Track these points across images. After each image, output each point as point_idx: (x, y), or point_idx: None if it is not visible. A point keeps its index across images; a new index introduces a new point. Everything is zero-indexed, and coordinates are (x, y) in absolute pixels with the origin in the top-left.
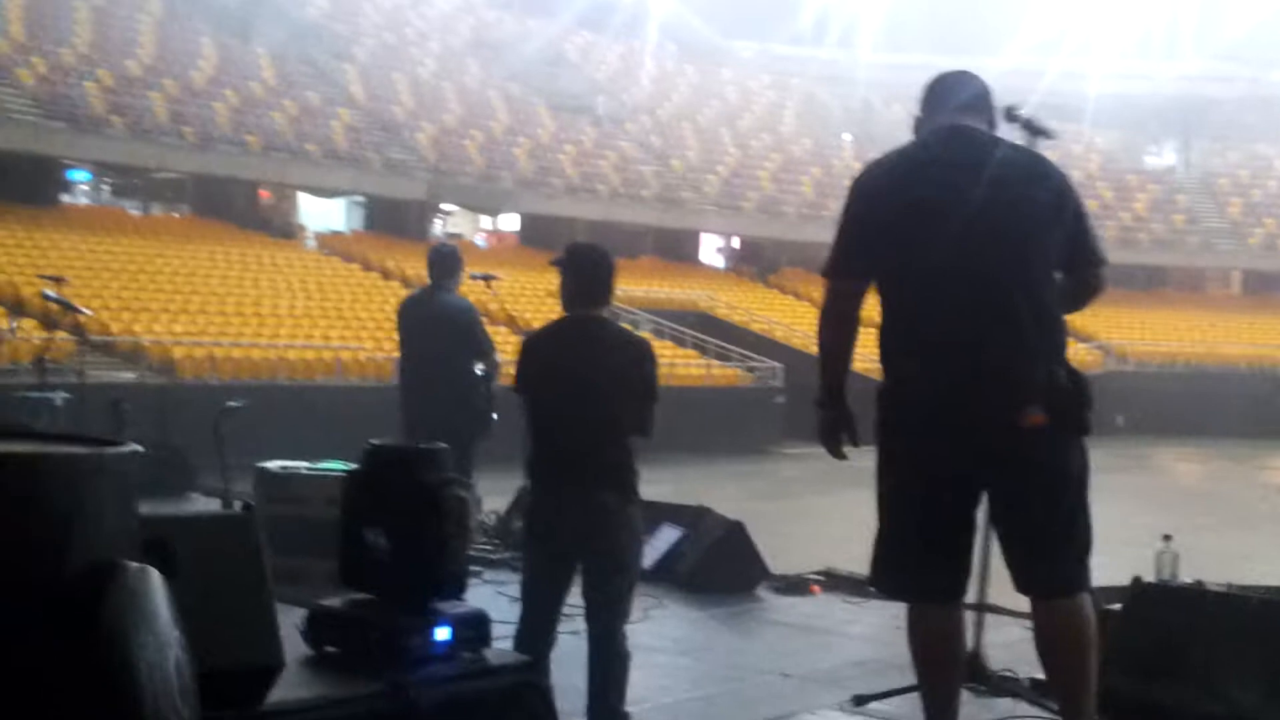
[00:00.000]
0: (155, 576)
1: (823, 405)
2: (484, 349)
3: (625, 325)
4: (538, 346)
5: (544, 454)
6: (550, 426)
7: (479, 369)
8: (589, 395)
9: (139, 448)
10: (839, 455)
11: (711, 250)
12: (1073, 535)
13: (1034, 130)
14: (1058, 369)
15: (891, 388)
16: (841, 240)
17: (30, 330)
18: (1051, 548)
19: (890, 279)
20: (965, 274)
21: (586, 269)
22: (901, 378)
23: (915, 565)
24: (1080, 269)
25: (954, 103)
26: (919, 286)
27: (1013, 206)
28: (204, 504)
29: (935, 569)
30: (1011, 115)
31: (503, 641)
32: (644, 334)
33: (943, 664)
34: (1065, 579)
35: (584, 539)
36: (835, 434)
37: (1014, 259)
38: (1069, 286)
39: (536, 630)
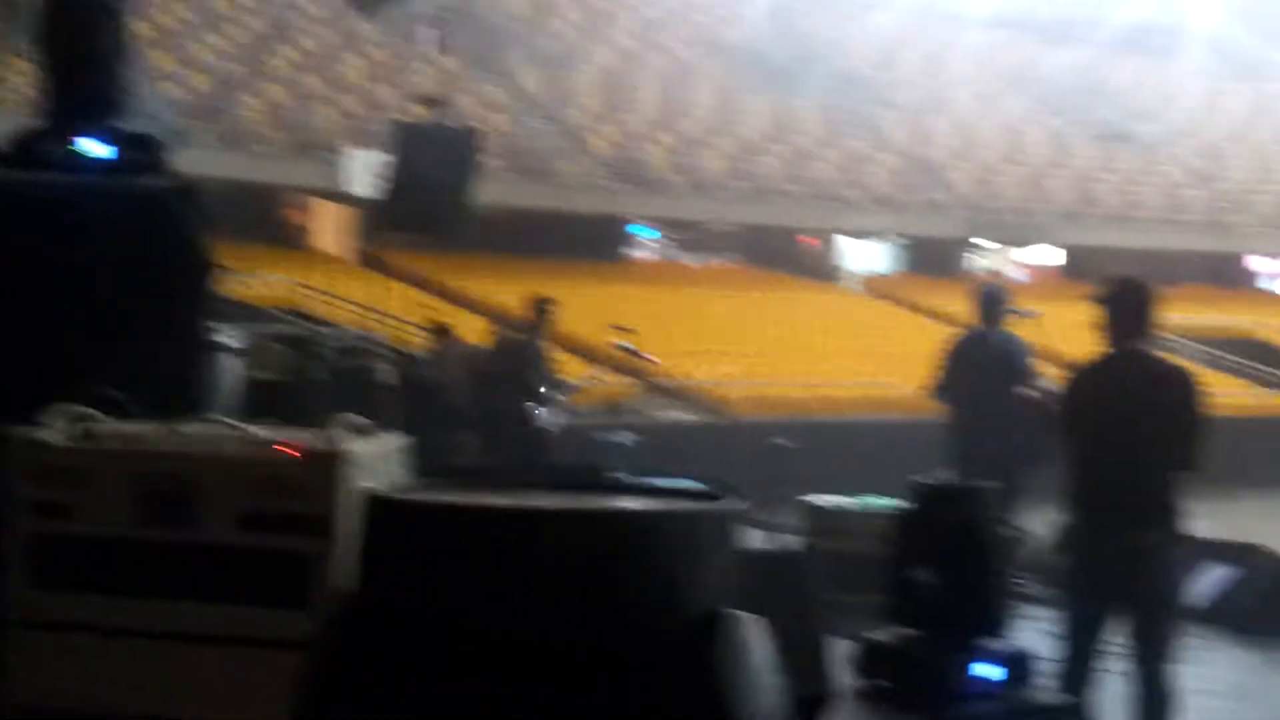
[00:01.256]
0: (757, 624)
1: None
2: (1031, 380)
3: (1167, 356)
4: (1083, 382)
5: (1086, 490)
6: (1094, 462)
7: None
8: (1134, 432)
9: (739, 502)
10: None
11: (1266, 275)
12: None
13: None
14: None
15: None
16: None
17: (601, 376)
18: None
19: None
20: None
21: (1129, 303)
22: None
23: None
24: None
25: None
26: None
27: None
28: (754, 537)
29: None
30: None
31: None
32: (1191, 362)
33: None
34: None
35: (1125, 578)
36: None
37: None
38: None
39: (1077, 667)
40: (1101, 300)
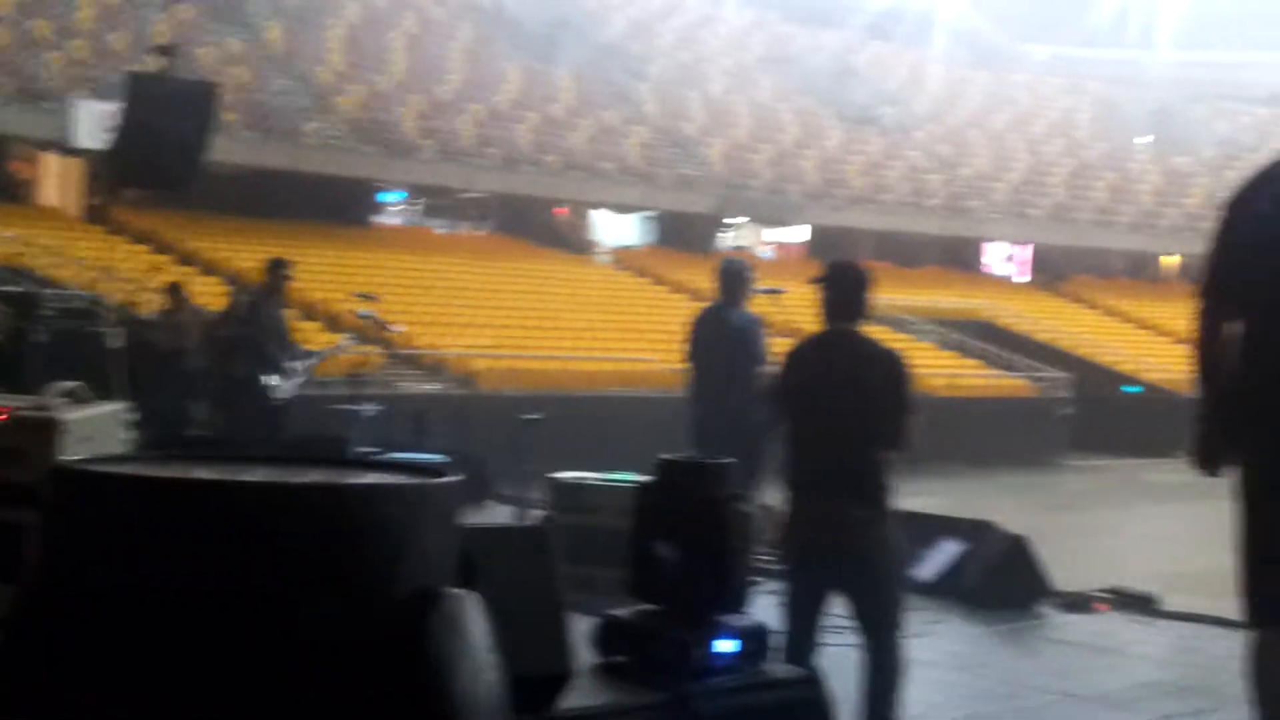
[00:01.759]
0: (475, 602)
1: (1200, 422)
2: (763, 361)
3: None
4: (795, 361)
5: (799, 466)
6: (805, 439)
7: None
8: (842, 410)
9: (459, 477)
10: (1213, 473)
11: (999, 259)
12: None
13: None
14: None
15: (1243, 399)
16: (1211, 260)
17: (346, 348)
18: None
19: (1247, 299)
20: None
21: (842, 283)
22: (1251, 389)
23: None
24: None
25: None
26: (1263, 301)
27: None
28: (499, 513)
29: None
30: None
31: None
32: (927, 344)
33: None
34: None
35: (838, 552)
36: (1210, 453)
37: None
38: None
39: (800, 640)
40: (818, 282)
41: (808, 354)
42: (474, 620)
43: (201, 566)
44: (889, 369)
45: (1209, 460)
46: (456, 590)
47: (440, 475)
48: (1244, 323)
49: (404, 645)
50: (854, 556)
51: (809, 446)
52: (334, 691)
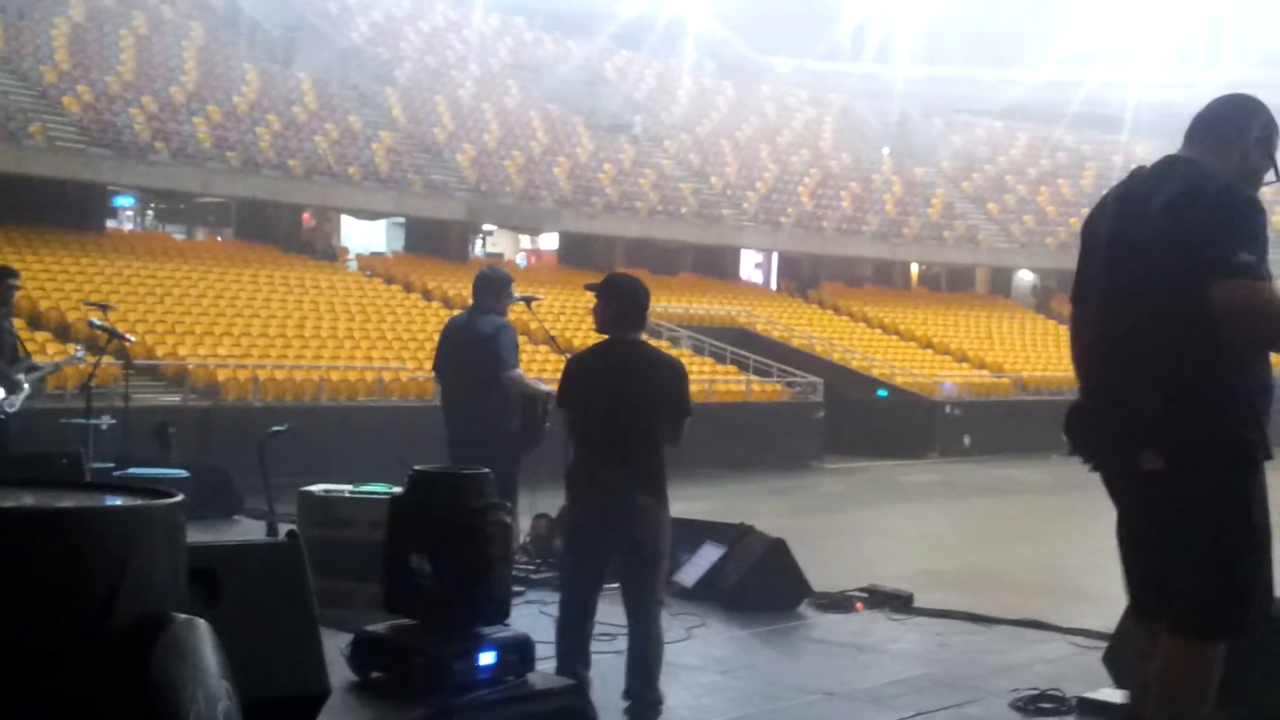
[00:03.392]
0: (203, 627)
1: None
2: (506, 366)
3: (660, 345)
4: (582, 367)
5: (586, 464)
6: (593, 440)
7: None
8: (630, 412)
9: (183, 497)
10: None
11: (750, 266)
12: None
13: None
14: (1174, 406)
15: (1075, 406)
16: (1077, 272)
17: (82, 358)
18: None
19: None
20: (1104, 306)
21: (627, 296)
22: (1076, 404)
23: None
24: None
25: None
26: (1089, 314)
27: (1136, 227)
28: (249, 527)
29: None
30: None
31: (546, 663)
32: (683, 350)
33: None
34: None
35: (622, 535)
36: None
37: (1129, 289)
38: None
39: (573, 646)
40: (600, 292)
41: (593, 362)
42: (204, 645)
43: None
44: (674, 375)
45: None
46: (184, 615)
47: (165, 494)
48: (1095, 325)
49: (127, 676)
50: (636, 539)
51: (597, 446)
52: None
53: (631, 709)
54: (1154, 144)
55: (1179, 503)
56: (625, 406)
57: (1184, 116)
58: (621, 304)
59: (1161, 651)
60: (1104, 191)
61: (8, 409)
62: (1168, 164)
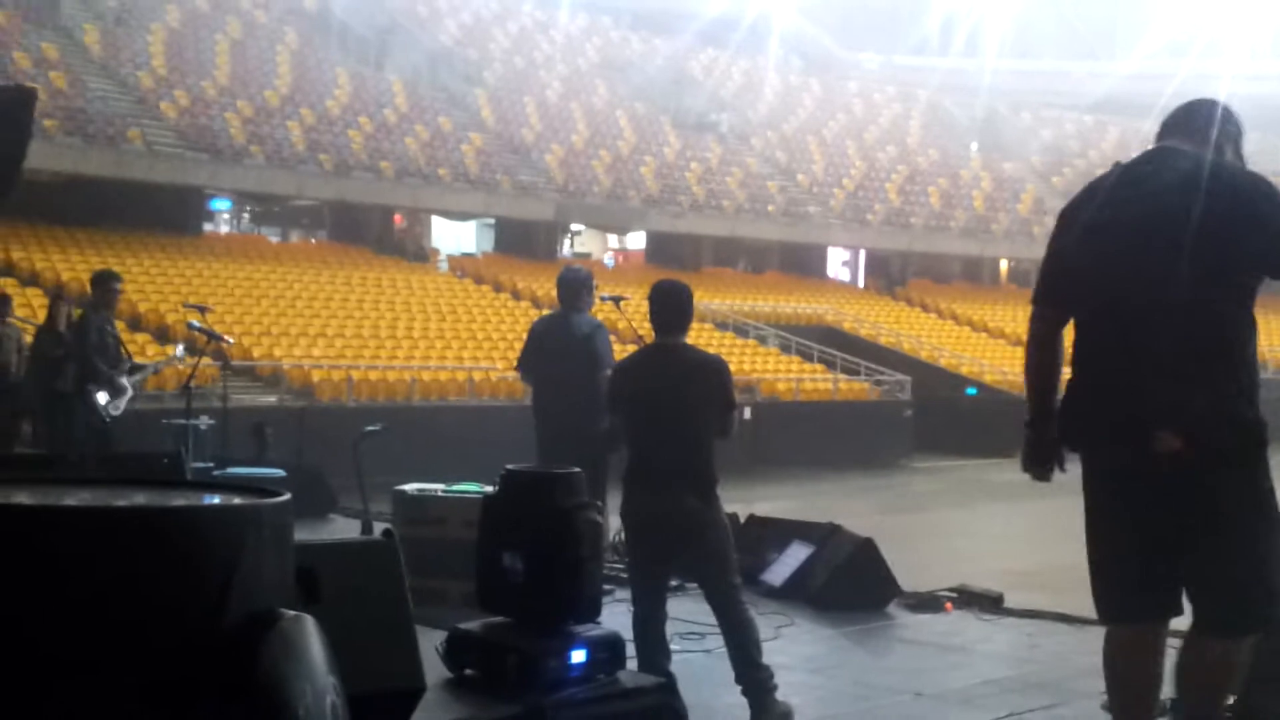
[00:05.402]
0: (310, 624)
1: (1030, 426)
2: (603, 366)
3: (747, 344)
4: (628, 372)
5: (638, 467)
6: (640, 444)
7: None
8: (673, 415)
9: (290, 496)
10: (1043, 478)
11: (838, 264)
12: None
13: None
14: (1200, 391)
15: (1072, 406)
16: (1043, 266)
17: (182, 358)
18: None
19: (1076, 298)
20: (1115, 294)
21: (668, 302)
22: (1078, 395)
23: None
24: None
25: (1173, 126)
26: (1092, 305)
27: (1167, 220)
28: (343, 526)
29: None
30: None
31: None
32: (770, 349)
33: (1130, 691)
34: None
35: (677, 538)
36: (1040, 456)
37: (1154, 279)
38: None
39: (652, 644)
40: (649, 298)
41: (638, 366)
42: (312, 642)
43: (17, 599)
44: (714, 373)
45: (1037, 465)
46: (292, 612)
47: (272, 494)
48: (1075, 328)
49: (237, 673)
50: (694, 541)
51: (644, 448)
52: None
53: (745, 689)
54: (1247, 136)
55: (1219, 496)
56: (668, 409)
57: (1276, 108)
58: (661, 308)
59: (1198, 653)
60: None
61: (113, 412)
62: (1185, 157)
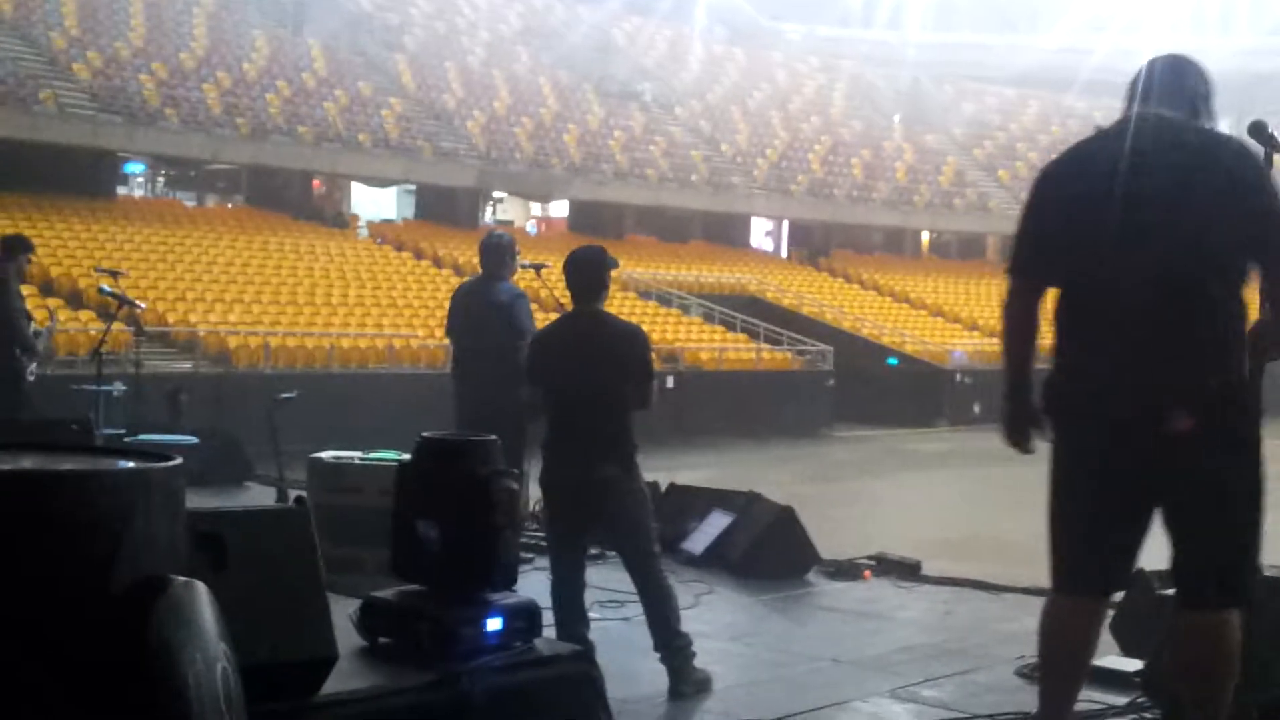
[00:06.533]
0: (201, 589)
1: (1008, 398)
2: (524, 334)
3: (670, 313)
4: (546, 341)
5: (557, 436)
6: (559, 413)
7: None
8: (591, 383)
9: (181, 460)
10: (1024, 449)
11: (761, 234)
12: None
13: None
14: (1213, 372)
15: (1056, 377)
16: (1020, 235)
17: (87, 322)
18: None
19: (1062, 269)
20: (1117, 268)
21: (583, 268)
22: (1064, 367)
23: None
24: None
25: (1149, 90)
26: (1081, 278)
27: (1168, 195)
28: (259, 493)
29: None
30: (1256, 130)
31: (552, 629)
32: (694, 318)
33: (1064, 661)
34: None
35: (595, 507)
36: (1020, 427)
37: (1163, 254)
38: (1265, 285)
39: (570, 611)
40: (564, 266)
41: (557, 334)
42: (203, 608)
43: None
44: (631, 341)
45: (1016, 437)
46: (183, 578)
47: (164, 458)
48: (1061, 299)
49: (125, 638)
50: (612, 508)
51: (562, 416)
52: (50, 694)
53: (664, 658)
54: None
55: (1225, 471)
56: (586, 378)
57: None
58: (578, 276)
59: (1193, 631)
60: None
61: (29, 376)
62: (1180, 127)
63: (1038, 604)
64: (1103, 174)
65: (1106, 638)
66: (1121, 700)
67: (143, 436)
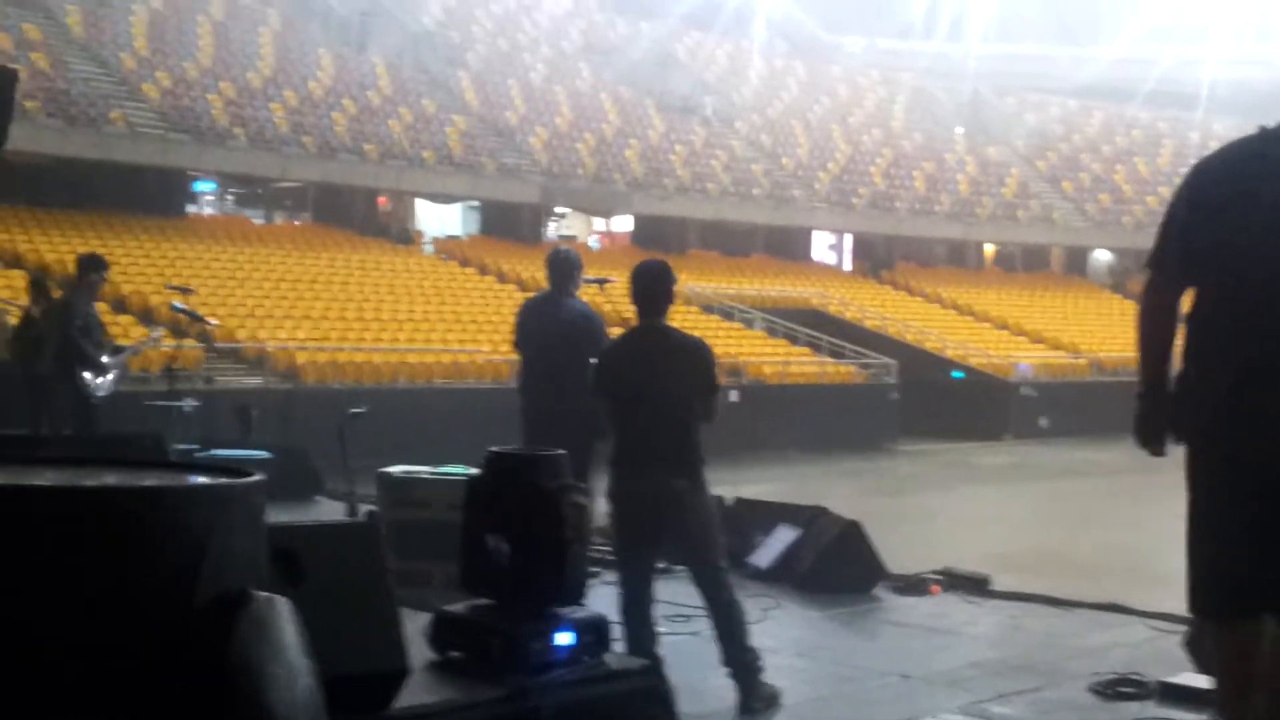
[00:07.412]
0: (283, 605)
1: (1144, 397)
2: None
3: (733, 327)
4: (612, 356)
5: (625, 450)
6: (626, 427)
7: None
8: (657, 397)
9: (264, 476)
10: (1158, 452)
11: (823, 248)
12: None
13: None
14: None
15: (1197, 384)
16: (1166, 232)
17: (159, 339)
18: None
19: (1213, 268)
20: (1273, 270)
21: (648, 284)
22: (1205, 375)
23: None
24: None
25: None
26: (1231, 278)
27: None
28: (329, 508)
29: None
30: None
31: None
32: (756, 332)
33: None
34: None
35: (664, 520)
36: (1157, 428)
37: None
38: None
39: (638, 627)
40: (630, 281)
41: (622, 349)
42: (285, 624)
43: None
44: (696, 355)
45: (1151, 439)
46: (265, 594)
47: (245, 474)
48: (1199, 304)
49: (208, 654)
50: (680, 522)
51: (631, 431)
52: (134, 711)
53: (733, 673)
54: (1231, 121)
55: None
56: (652, 392)
57: (1261, 93)
58: (641, 291)
59: None
60: (1181, 169)
61: (101, 393)
62: None
63: (1109, 620)
64: (1263, 174)
65: (1180, 654)
66: (1198, 719)
67: (215, 452)
